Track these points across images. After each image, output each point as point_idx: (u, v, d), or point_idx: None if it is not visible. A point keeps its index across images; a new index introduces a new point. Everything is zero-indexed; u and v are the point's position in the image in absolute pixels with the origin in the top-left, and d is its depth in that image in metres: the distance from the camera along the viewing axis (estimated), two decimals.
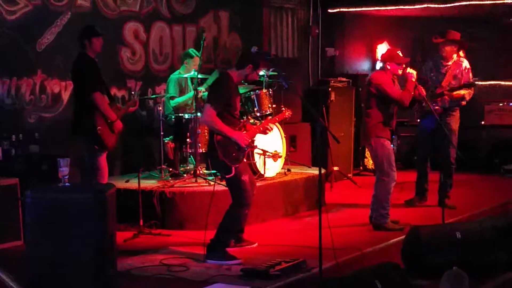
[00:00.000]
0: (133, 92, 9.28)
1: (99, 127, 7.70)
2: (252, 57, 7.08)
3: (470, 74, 9.51)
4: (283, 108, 8.10)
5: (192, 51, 9.57)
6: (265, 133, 7.61)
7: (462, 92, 9.30)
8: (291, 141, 10.64)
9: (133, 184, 8.48)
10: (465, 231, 6.92)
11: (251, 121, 8.70)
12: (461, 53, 9.71)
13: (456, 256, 6.62)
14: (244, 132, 7.03)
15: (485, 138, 13.16)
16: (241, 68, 6.99)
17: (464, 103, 9.46)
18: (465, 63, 9.53)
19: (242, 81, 7.26)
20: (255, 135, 7.53)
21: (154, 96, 9.74)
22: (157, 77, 10.39)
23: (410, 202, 9.56)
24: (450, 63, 9.50)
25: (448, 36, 9.55)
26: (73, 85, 8.12)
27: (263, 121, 7.89)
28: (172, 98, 9.46)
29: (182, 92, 9.54)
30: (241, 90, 8.85)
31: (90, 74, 7.76)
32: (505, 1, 12.13)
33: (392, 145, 8.37)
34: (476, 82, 13.88)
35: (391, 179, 8.16)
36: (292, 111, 8.26)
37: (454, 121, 9.39)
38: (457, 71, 9.44)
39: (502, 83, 13.93)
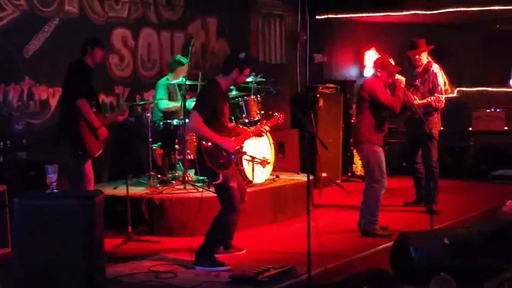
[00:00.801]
0: (121, 102, 9.27)
1: (82, 132, 7.70)
2: (236, 61, 7.05)
3: (437, 80, 9.52)
4: (276, 113, 8.08)
5: (182, 58, 9.56)
6: (260, 135, 7.63)
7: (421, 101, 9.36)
8: (280, 148, 10.64)
9: (121, 190, 8.46)
10: (453, 237, 6.91)
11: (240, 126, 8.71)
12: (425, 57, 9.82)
13: (444, 261, 6.62)
14: (234, 138, 7.02)
15: (473, 144, 13.21)
16: (227, 74, 6.98)
17: (438, 106, 9.49)
18: (434, 67, 9.58)
19: (231, 87, 7.25)
20: (244, 141, 7.52)
21: (142, 102, 9.71)
22: (145, 83, 10.38)
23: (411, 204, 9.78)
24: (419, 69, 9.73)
25: (417, 46, 9.77)
26: (62, 88, 8.15)
27: (256, 126, 7.88)
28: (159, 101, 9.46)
29: (170, 97, 9.54)
30: (229, 96, 8.85)
31: (79, 80, 7.77)
32: (492, 7, 12.19)
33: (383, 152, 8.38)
34: (464, 88, 14.01)
35: (381, 185, 8.18)
36: (284, 117, 8.24)
37: (431, 125, 9.38)
38: (425, 76, 9.52)
39: (490, 89, 14.00)
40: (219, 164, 6.80)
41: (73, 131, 7.72)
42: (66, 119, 7.83)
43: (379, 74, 8.21)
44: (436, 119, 9.60)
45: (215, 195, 7.06)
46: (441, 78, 9.62)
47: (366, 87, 8.21)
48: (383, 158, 8.22)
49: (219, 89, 6.94)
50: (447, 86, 9.75)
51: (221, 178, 6.79)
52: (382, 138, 8.31)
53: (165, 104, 9.46)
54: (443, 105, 9.66)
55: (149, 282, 6.42)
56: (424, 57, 9.75)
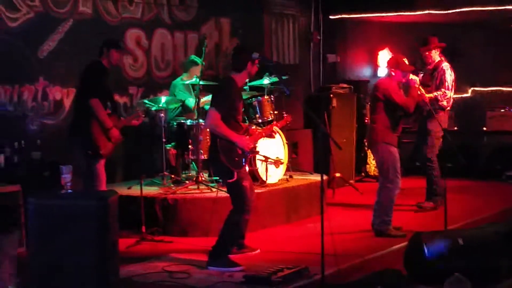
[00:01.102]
0: (137, 108, 9.19)
1: (93, 132, 7.73)
2: (246, 55, 7.04)
3: (445, 76, 9.51)
4: (285, 114, 8.10)
5: (196, 58, 9.57)
6: (271, 136, 7.65)
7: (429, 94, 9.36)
8: (293, 148, 10.65)
9: (135, 190, 8.47)
10: (467, 237, 6.91)
11: (253, 126, 8.72)
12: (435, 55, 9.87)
13: (458, 262, 6.60)
14: (247, 137, 7.03)
15: (487, 144, 13.15)
16: (242, 69, 6.97)
17: (444, 105, 9.49)
18: (443, 65, 9.58)
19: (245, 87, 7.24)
20: (258, 140, 7.52)
21: (156, 107, 9.63)
22: (158, 83, 10.40)
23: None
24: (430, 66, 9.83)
25: (429, 43, 9.87)
26: (77, 88, 8.21)
27: (265, 127, 7.90)
28: (182, 102, 9.45)
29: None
30: (243, 96, 8.86)
31: (94, 80, 7.81)
32: (506, 7, 12.14)
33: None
34: (478, 88, 13.97)
35: (395, 186, 8.16)
36: (292, 117, 8.25)
37: (432, 123, 9.37)
38: (435, 73, 9.52)
39: (504, 89, 13.95)
40: (235, 162, 6.81)
41: (84, 130, 7.75)
42: (79, 118, 7.88)
43: (393, 73, 8.19)
44: (443, 119, 9.55)
45: (228, 195, 7.07)
46: (449, 76, 9.61)
47: (380, 87, 8.20)
48: (398, 158, 8.20)
49: (235, 86, 6.96)
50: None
51: (235, 176, 6.79)
52: (397, 138, 8.29)
53: (191, 102, 9.41)
54: (450, 104, 9.63)
55: (163, 282, 6.43)
56: (436, 55, 9.79)
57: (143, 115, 8.69)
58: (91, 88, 7.78)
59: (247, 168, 7.34)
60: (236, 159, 6.81)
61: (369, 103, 9.70)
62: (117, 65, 8.50)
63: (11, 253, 2.35)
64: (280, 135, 9.16)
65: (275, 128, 7.59)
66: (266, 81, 9.38)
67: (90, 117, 7.74)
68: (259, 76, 9.32)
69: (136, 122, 8.55)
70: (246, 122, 8.88)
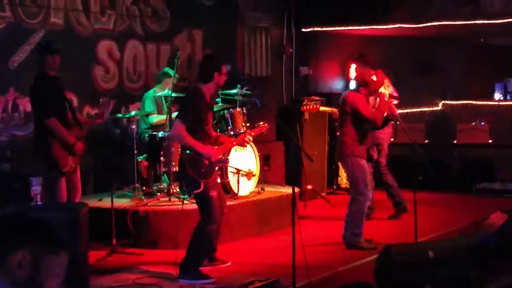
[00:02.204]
0: (101, 100, 8.91)
1: (54, 151, 7.44)
2: (212, 65, 7.05)
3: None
4: (261, 123, 8.05)
5: (170, 70, 9.56)
6: (243, 145, 7.63)
7: None
8: (265, 160, 10.66)
9: (106, 202, 8.43)
10: (437, 250, 6.93)
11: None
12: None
13: (428, 274, 6.63)
14: (217, 146, 7.03)
15: (457, 157, 13.27)
16: (209, 80, 6.98)
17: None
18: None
19: (217, 99, 7.22)
20: (227, 150, 7.50)
21: (128, 115, 9.65)
22: (130, 95, 10.36)
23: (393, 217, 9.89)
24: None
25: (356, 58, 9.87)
26: (30, 103, 7.89)
27: (239, 135, 7.88)
28: (148, 115, 9.45)
29: (158, 109, 9.54)
30: (215, 108, 8.87)
31: (44, 98, 7.47)
32: (476, 22, 12.27)
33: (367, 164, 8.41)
34: (448, 102, 14.10)
35: (366, 198, 8.20)
36: (268, 127, 8.23)
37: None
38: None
39: (474, 102, 14.08)
40: (201, 173, 6.80)
41: (44, 150, 7.45)
42: (38, 138, 7.56)
43: (362, 92, 8.26)
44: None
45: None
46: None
47: (348, 101, 8.25)
48: (367, 171, 8.26)
49: (203, 97, 6.94)
50: None
51: (202, 187, 6.79)
52: (365, 150, 8.34)
53: (155, 118, 9.46)
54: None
55: None
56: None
57: (108, 109, 8.52)
58: (43, 107, 7.47)
59: (218, 180, 7.35)
60: (202, 170, 6.81)
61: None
62: (86, 75, 8.36)
63: (57, 274, 2.34)
64: (252, 147, 9.17)
65: (249, 137, 7.55)
66: (235, 91, 9.40)
67: (48, 137, 7.43)
68: (231, 87, 9.34)
69: (100, 120, 8.42)
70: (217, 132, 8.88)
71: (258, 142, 9.51)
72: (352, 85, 13.45)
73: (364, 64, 9.84)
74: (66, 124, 7.62)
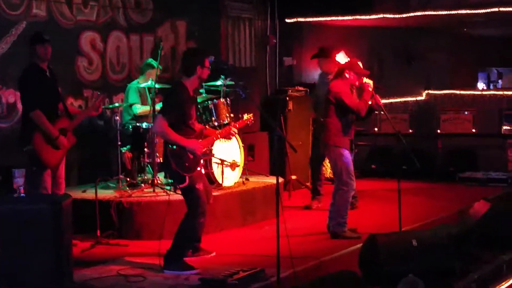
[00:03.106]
0: (98, 93, 8.88)
1: (33, 147, 7.38)
2: (195, 59, 7.03)
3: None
4: (246, 114, 8.04)
5: (153, 61, 9.55)
6: (228, 137, 7.63)
7: None
8: (249, 150, 10.65)
9: (90, 194, 8.42)
10: (421, 239, 6.98)
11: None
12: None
13: (412, 263, 6.67)
14: (201, 140, 7.02)
15: (441, 146, 13.33)
16: (191, 74, 6.97)
17: None
18: None
19: (201, 90, 7.20)
20: (212, 143, 7.51)
21: (112, 106, 9.66)
22: (114, 86, 10.33)
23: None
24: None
25: (321, 53, 10.23)
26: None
27: (225, 127, 7.88)
28: (131, 105, 9.43)
29: (142, 100, 9.52)
30: (199, 99, 8.86)
31: (31, 89, 7.44)
32: (459, 12, 12.31)
33: (351, 154, 8.43)
34: (432, 91, 14.17)
35: (350, 188, 8.23)
36: (253, 119, 8.21)
37: None
38: None
39: (458, 92, 14.14)
40: (185, 167, 6.80)
41: (28, 144, 7.39)
42: (23, 130, 7.53)
43: (347, 75, 8.26)
44: None
45: (183, 198, 7.05)
46: None
47: (332, 90, 8.27)
48: (350, 161, 8.28)
49: (185, 92, 6.93)
50: None
51: (187, 181, 6.79)
52: (349, 141, 8.36)
53: (139, 108, 9.45)
54: None
55: (118, 285, 6.40)
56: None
57: (103, 105, 8.50)
58: (28, 99, 7.45)
59: (203, 171, 7.35)
60: (187, 164, 6.80)
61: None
62: (69, 66, 8.31)
63: None
64: (236, 138, 9.16)
65: (234, 129, 7.54)
66: (219, 82, 9.40)
67: (33, 130, 7.37)
68: (214, 78, 9.34)
69: (96, 113, 8.40)
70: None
71: (242, 133, 9.52)
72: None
73: (328, 56, 10.00)
74: (54, 115, 7.59)
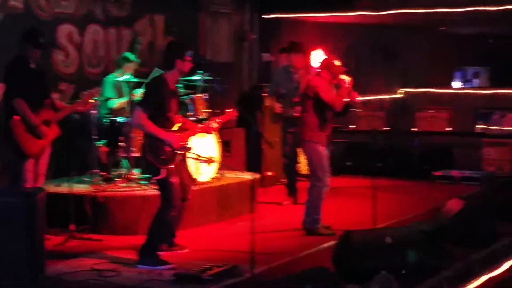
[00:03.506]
0: (84, 93, 8.86)
1: (17, 134, 7.43)
2: (174, 52, 7.04)
3: None
4: (227, 110, 8.02)
5: (130, 55, 9.52)
6: (208, 132, 7.63)
7: None
8: (226, 146, 10.65)
9: (64, 188, 8.38)
10: (395, 236, 7.03)
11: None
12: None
13: (385, 260, 6.72)
14: (179, 133, 7.02)
15: (417, 144, 13.39)
16: (171, 67, 6.97)
17: None
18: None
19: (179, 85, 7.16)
20: (190, 137, 7.49)
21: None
22: (91, 80, 10.25)
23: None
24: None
25: (293, 47, 10.21)
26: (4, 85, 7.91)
27: (206, 122, 7.88)
28: (107, 99, 9.40)
29: (119, 94, 9.49)
30: None
31: (14, 78, 7.51)
32: (436, 10, 12.38)
33: (326, 151, 8.46)
34: (409, 89, 14.23)
35: (324, 184, 8.26)
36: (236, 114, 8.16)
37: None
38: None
39: (434, 90, 14.22)
40: (162, 160, 6.80)
41: (9, 132, 7.44)
42: (6, 119, 7.54)
43: (323, 75, 8.30)
44: None
45: (159, 193, 7.05)
46: None
47: (310, 85, 8.30)
48: (325, 157, 8.31)
49: (165, 85, 6.93)
50: None
51: (163, 174, 6.79)
52: (325, 137, 8.39)
53: (115, 102, 9.41)
54: None
55: (92, 280, 6.37)
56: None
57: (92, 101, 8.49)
58: (12, 87, 7.50)
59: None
60: (164, 156, 6.81)
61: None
62: (45, 59, 8.25)
63: None
64: (213, 133, 9.15)
65: (214, 124, 7.53)
66: (197, 77, 9.40)
67: (13, 118, 7.41)
68: (192, 73, 9.33)
69: (83, 109, 8.38)
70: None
71: (219, 128, 9.51)
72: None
73: (300, 52, 10.05)
74: (37, 107, 7.60)
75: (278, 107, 10.04)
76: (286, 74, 10.17)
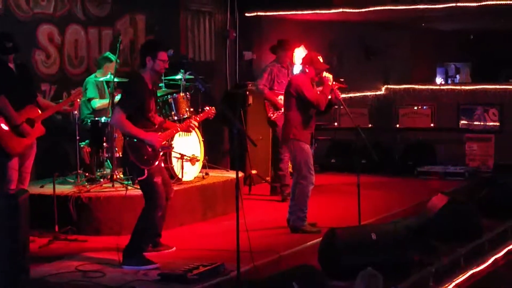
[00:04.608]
0: (72, 93, 8.82)
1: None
2: (144, 50, 7.02)
3: None
4: (206, 108, 8.01)
5: (110, 55, 9.48)
6: (188, 130, 7.60)
7: None
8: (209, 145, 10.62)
9: (48, 189, 8.33)
10: (380, 232, 7.04)
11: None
12: None
13: (371, 257, 6.73)
14: (160, 133, 6.99)
15: (400, 140, 13.44)
16: (143, 65, 6.94)
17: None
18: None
19: (161, 84, 7.13)
20: (171, 136, 7.47)
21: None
22: (72, 80, 10.21)
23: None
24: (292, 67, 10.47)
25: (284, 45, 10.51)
26: None
27: (185, 120, 7.85)
28: (90, 100, 9.35)
29: (100, 95, 9.44)
30: (158, 93, 8.80)
31: None
32: (417, 6, 12.41)
33: (310, 148, 8.46)
34: (391, 86, 14.25)
35: (308, 182, 8.25)
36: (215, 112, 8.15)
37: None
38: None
39: (416, 86, 14.25)
40: (144, 160, 6.77)
41: None
42: None
43: (307, 70, 8.29)
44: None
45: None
46: None
47: (293, 84, 8.29)
48: (310, 155, 8.30)
49: (143, 84, 6.89)
50: None
51: (145, 174, 6.76)
52: (309, 135, 8.38)
53: (98, 102, 9.37)
54: None
55: (77, 281, 6.35)
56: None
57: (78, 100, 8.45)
58: None
59: (162, 164, 7.31)
60: (145, 157, 6.78)
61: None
62: (26, 60, 8.20)
63: None
64: (196, 132, 9.13)
65: (194, 122, 7.50)
66: (179, 76, 9.37)
67: None
68: (174, 72, 9.31)
69: (70, 109, 8.32)
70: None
71: (202, 127, 9.50)
72: (297, 69, 13.52)
73: (288, 49, 10.11)
74: (20, 104, 7.57)
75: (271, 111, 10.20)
76: (280, 72, 10.37)
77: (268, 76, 10.39)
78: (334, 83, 8.32)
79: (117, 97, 8.76)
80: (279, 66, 10.44)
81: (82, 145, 9.02)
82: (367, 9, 12.74)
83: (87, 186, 8.62)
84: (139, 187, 7.06)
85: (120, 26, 10.95)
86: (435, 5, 12.28)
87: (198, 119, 7.67)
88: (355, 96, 13.98)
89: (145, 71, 6.93)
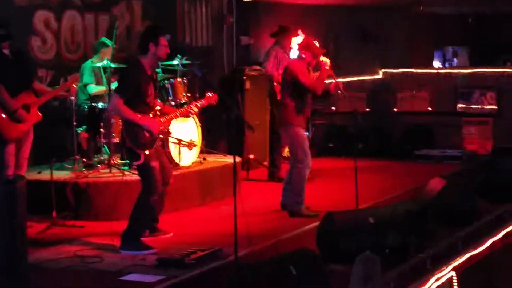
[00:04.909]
0: (69, 78, 8.80)
1: None
2: (147, 36, 7.00)
3: None
4: (209, 94, 7.94)
5: (107, 40, 9.45)
6: (188, 116, 7.60)
7: None
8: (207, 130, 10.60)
9: (45, 175, 8.31)
10: (377, 216, 7.05)
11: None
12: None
13: (369, 240, 6.73)
14: (158, 118, 6.98)
15: (398, 124, 13.43)
16: (145, 52, 6.91)
17: None
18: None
19: (158, 69, 7.12)
20: (170, 122, 7.45)
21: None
22: (69, 66, 10.17)
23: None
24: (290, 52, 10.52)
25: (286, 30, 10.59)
26: None
27: (186, 106, 7.84)
28: (86, 85, 9.33)
29: (96, 80, 9.42)
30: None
31: None
32: None
33: (306, 133, 8.46)
34: (389, 70, 14.22)
35: (305, 165, 8.25)
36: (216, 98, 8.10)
37: None
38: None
39: (414, 70, 14.22)
40: (140, 144, 6.77)
41: None
42: None
43: (303, 55, 8.27)
44: None
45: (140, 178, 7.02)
46: None
47: (288, 69, 8.29)
48: (305, 139, 8.31)
49: (142, 70, 6.88)
50: None
51: (142, 159, 6.76)
52: (305, 119, 8.39)
53: (94, 88, 9.35)
54: None
55: (75, 266, 6.37)
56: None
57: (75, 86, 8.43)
58: None
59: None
60: (142, 141, 6.77)
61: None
62: (23, 46, 8.18)
63: None
64: (193, 117, 9.11)
65: (194, 108, 7.49)
66: (176, 61, 9.35)
67: None
68: (171, 57, 9.27)
69: (67, 94, 8.31)
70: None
71: (200, 111, 9.47)
72: (293, 54, 13.49)
73: (290, 34, 10.12)
74: (16, 90, 7.55)
75: None
76: (283, 56, 10.41)
77: (274, 59, 10.40)
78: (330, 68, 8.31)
79: (114, 84, 8.76)
80: (281, 50, 10.44)
81: (79, 131, 9.01)
82: None
83: (85, 172, 8.62)
84: (136, 171, 7.05)
85: (116, 11, 10.91)
86: None
87: (199, 105, 7.65)
88: (352, 80, 13.95)
89: (146, 57, 6.91)
